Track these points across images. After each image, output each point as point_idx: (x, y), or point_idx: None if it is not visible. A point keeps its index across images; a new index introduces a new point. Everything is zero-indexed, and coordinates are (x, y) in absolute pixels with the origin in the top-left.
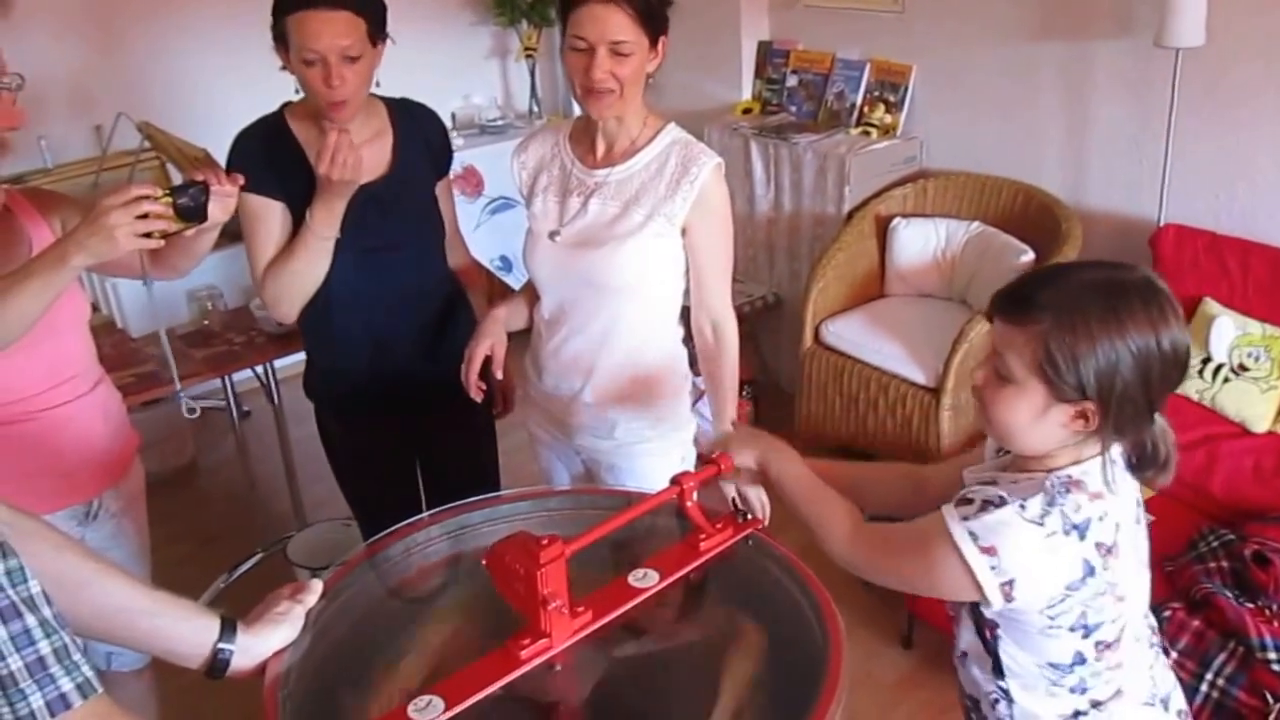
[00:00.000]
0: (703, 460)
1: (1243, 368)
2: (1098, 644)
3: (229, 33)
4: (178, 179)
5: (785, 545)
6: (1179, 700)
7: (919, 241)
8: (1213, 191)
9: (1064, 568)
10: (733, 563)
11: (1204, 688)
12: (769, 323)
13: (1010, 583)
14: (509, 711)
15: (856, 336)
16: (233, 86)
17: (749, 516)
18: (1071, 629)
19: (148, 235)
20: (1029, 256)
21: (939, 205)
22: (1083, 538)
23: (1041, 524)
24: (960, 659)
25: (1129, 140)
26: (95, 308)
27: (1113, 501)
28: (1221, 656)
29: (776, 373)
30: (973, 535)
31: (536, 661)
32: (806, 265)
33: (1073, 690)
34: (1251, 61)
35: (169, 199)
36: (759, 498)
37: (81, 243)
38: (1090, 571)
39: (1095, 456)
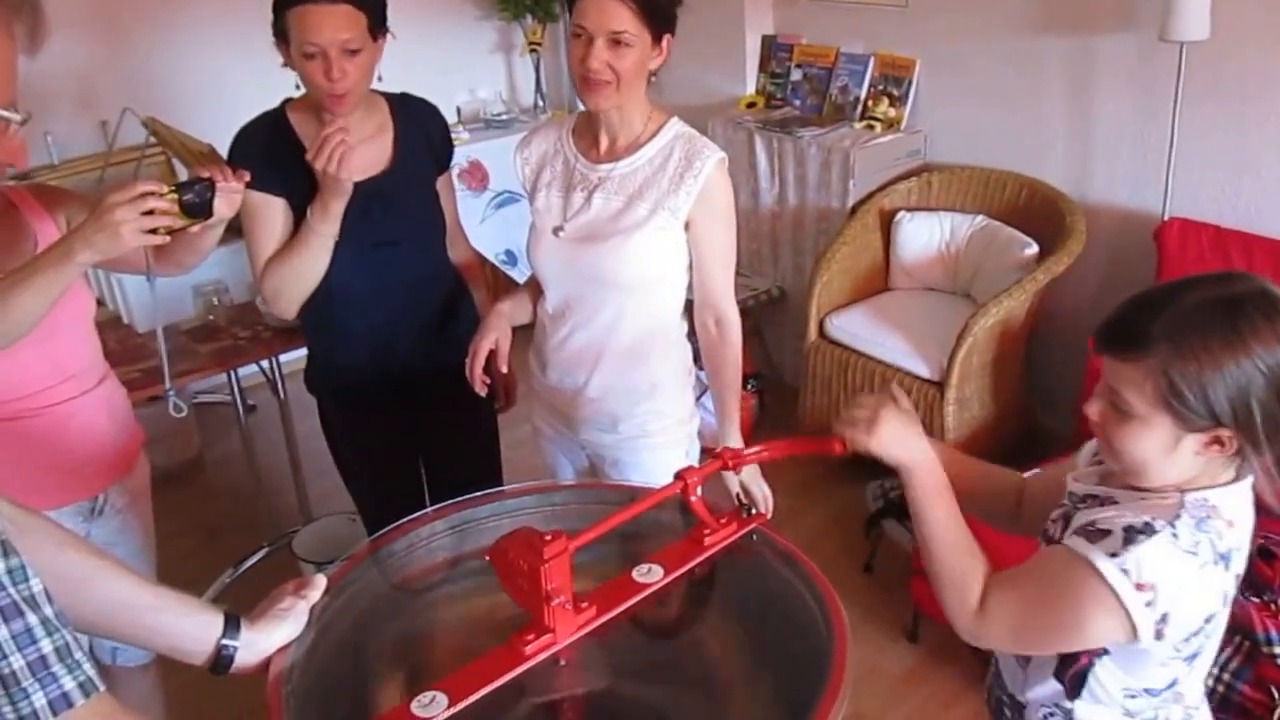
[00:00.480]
0: (707, 454)
1: None
2: (1193, 668)
3: (234, 29)
4: (183, 175)
5: (790, 540)
6: (1206, 715)
7: (923, 235)
8: (1217, 185)
9: (1211, 600)
10: (737, 557)
11: (1209, 682)
12: (773, 316)
13: (1164, 617)
14: (513, 707)
15: (861, 330)
16: (239, 82)
17: (753, 511)
18: (1186, 658)
19: (153, 231)
20: (1033, 250)
21: (943, 199)
22: (1227, 568)
23: (1196, 553)
24: (1020, 662)
25: (1133, 134)
26: (101, 303)
27: (1246, 532)
28: (1227, 651)
29: (781, 366)
30: (1126, 573)
31: (541, 657)
32: (810, 259)
33: (1146, 711)
34: (1256, 55)
35: (175, 195)
36: (762, 492)
37: (87, 239)
38: (1225, 603)
39: (1231, 482)
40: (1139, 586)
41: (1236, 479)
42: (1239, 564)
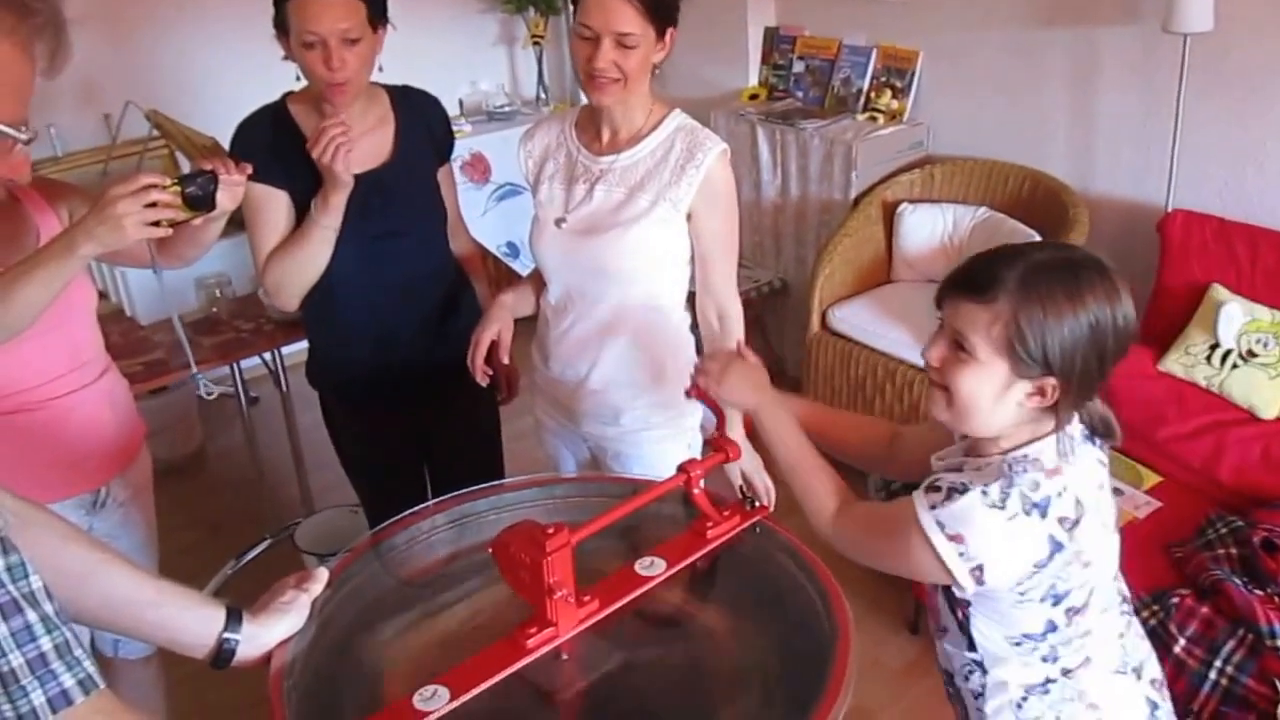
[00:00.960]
0: (709, 447)
1: (1251, 354)
2: (1068, 610)
3: (238, 21)
4: (186, 167)
5: (792, 532)
6: (1153, 669)
7: (926, 227)
8: (1221, 177)
9: (1030, 548)
10: (740, 550)
11: (1213, 675)
12: (776, 308)
13: (979, 567)
14: (515, 701)
15: (863, 322)
16: (242, 75)
17: (756, 504)
18: (1042, 599)
19: (156, 224)
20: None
21: (946, 191)
22: (1044, 515)
23: (1003, 507)
24: (939, 633)
25: (1136, 126)
26: (104, 296)
27: (1071, 474)
28: (1230, 644)
29: (783, 358)
30: (940, 524)
31: (543, 651)
32: (813, 251)
33: (1044, 659)
34: (1260, 46)
35: (177, 188)
36: (765, 484)
37: (90, 231)
38: (1058, 547)
39: (1049, 435)
40: (950, 538)
41: (1053, 431)
42: (1062, 508)
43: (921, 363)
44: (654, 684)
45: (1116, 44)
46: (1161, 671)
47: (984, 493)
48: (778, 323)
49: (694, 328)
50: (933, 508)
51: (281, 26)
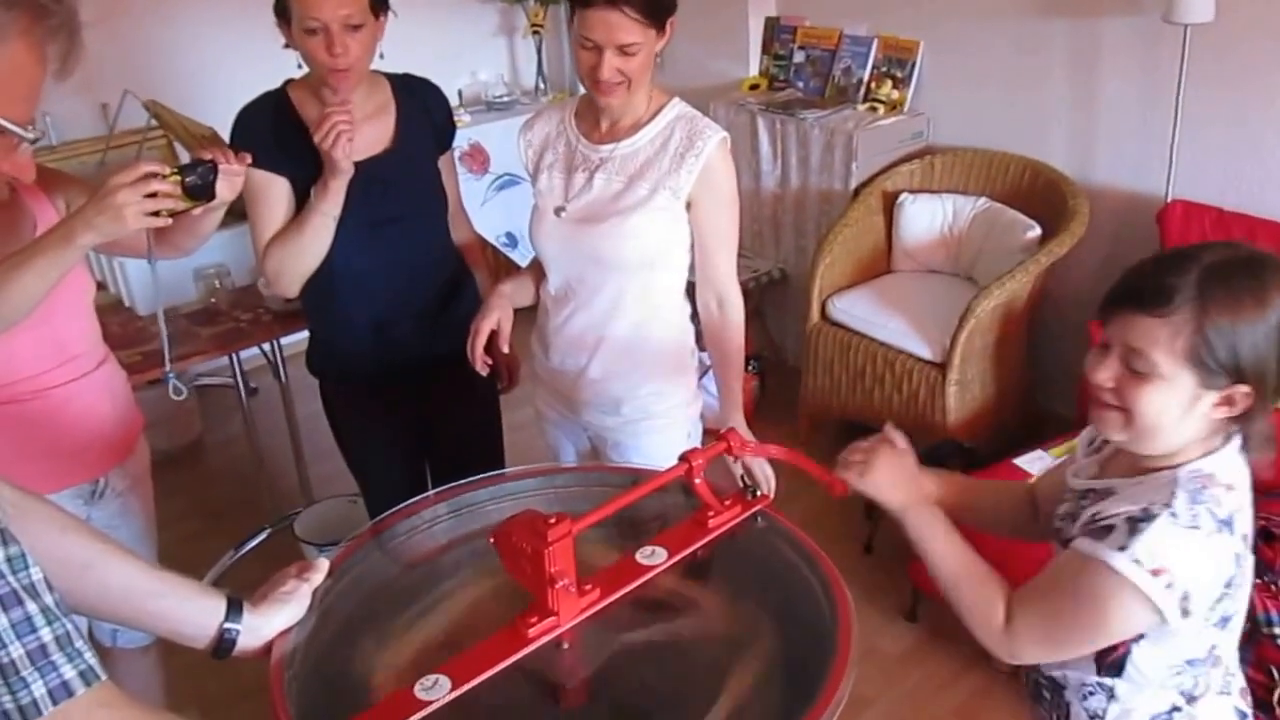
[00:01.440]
0: (710, 436)
1: None
2: (1230, 633)
3: (237, 9)
4: (185, 158)
5: (793, 522)
6: (1240, 680)
7: (926, 217)
8: (1220, 168)
9: (1224, 566)
10: (741, 540)
11: None
12: (775, 298)
13: (1185, 596)
14: (516, 690)
15: (863, 312)
16: (240, 64)
17: (757, 493)
18: (1216, 624)
19: (155, 214)
20: (1035, 232)
21: (946, 181)
22: (1232, 531)
23: (1198, 526)
24: None
25: (1137, 116)
26: (102, 286)
27: (1246, 492)
28: None
29: (783, 348)
30: (1138, 562)
31: (544, 640)
32: (813, 241)
33: (1188, 683)
34: (1261, 37)
35: (177, 177)
36: (765, 473)
37: (89, 221)
38: (1239, 564)
39: (1221, 449)
40: (1154, 573)
41: (1224, 445)
42: (1244, 524)
43: (921, 354)
44: (655, 672)
45: (1117, 35)
46: (1243, 678)
47: (1173, 515)
48: (777, 313)
49: (694, 317)
50: (1122, 549)
51: (283, 13)
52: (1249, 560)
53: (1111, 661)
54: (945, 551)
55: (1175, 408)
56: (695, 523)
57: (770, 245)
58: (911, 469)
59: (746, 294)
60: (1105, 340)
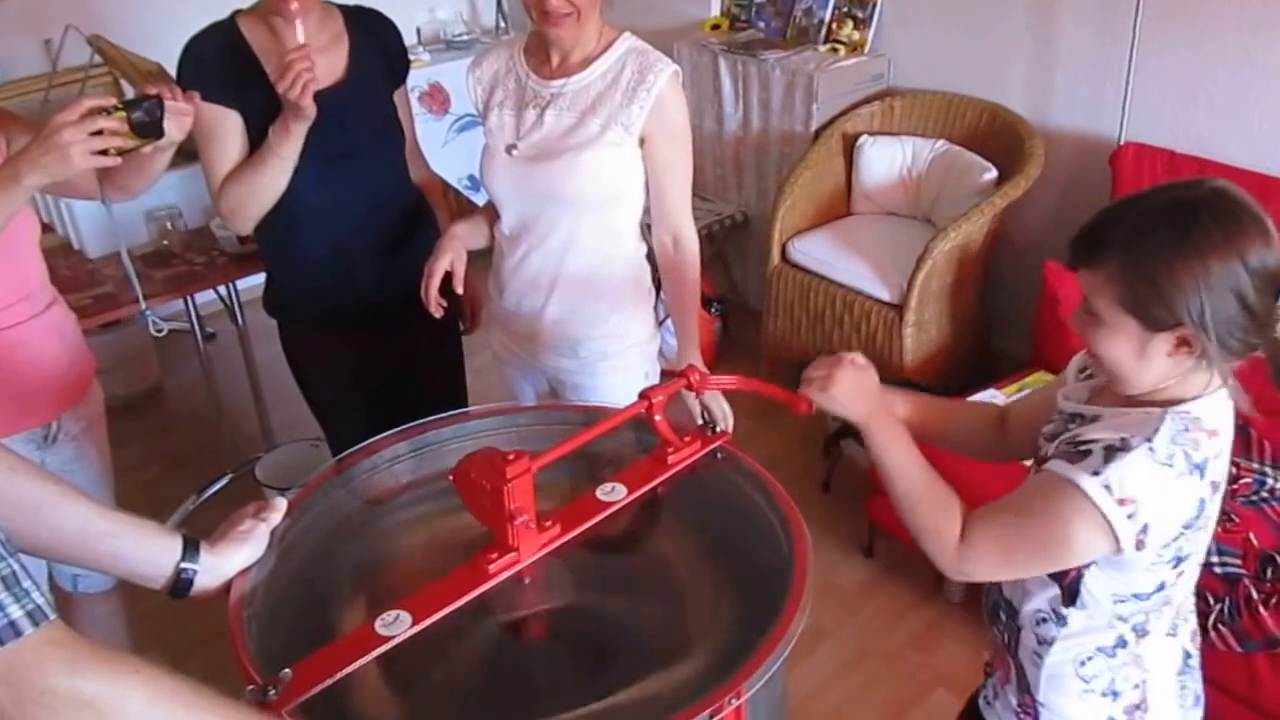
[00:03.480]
0: (668, 377)
1: None
2: (1180, 574)
3: None
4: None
5: (752, 458)
6: (1192, 622)
7: (885, 160)
8: (1173, 110)
9: (1186, 508)
10: (701, 476)
11: None
12: (736, 241)
13: (1144, 529)
14: (477, 625)
15: (823, 255)
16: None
17: (716, 430)
18: (1169, 561)
19: (103, 153)
20: (992, 175)
21: (905, 124)
22: (1202, 476)
23: (1171, 465)
24: None
25: (1093, 59)
26: (49, 228)
27: (1225, 440)
28: None
29: (744, 291)
30: (1108, 489)
31: (504, 576)
32: (774, 184)
33: (1132, 622)
34: None
35: (123, 114)
36: (723, 410)
37: (35, 161)
38: (1202, 509)
39: (1212, 390)
40: (1121, 501)
41: (1215, 389)
42: (1216, 471)
43: (879, 295)
44: (615, 607)
45: None
46: (1195, 621)
47: (1151, 449)
48: (739, 256)
49: (650, 256)
50: (1095, 473)
51: None
52: (1213, 508)
53: (1066, 587)
54: (905, 463)
55: (1128, 351)
56: (655, 459)
57: (732, 188)
58: (873, 384)
59: (708, 237)
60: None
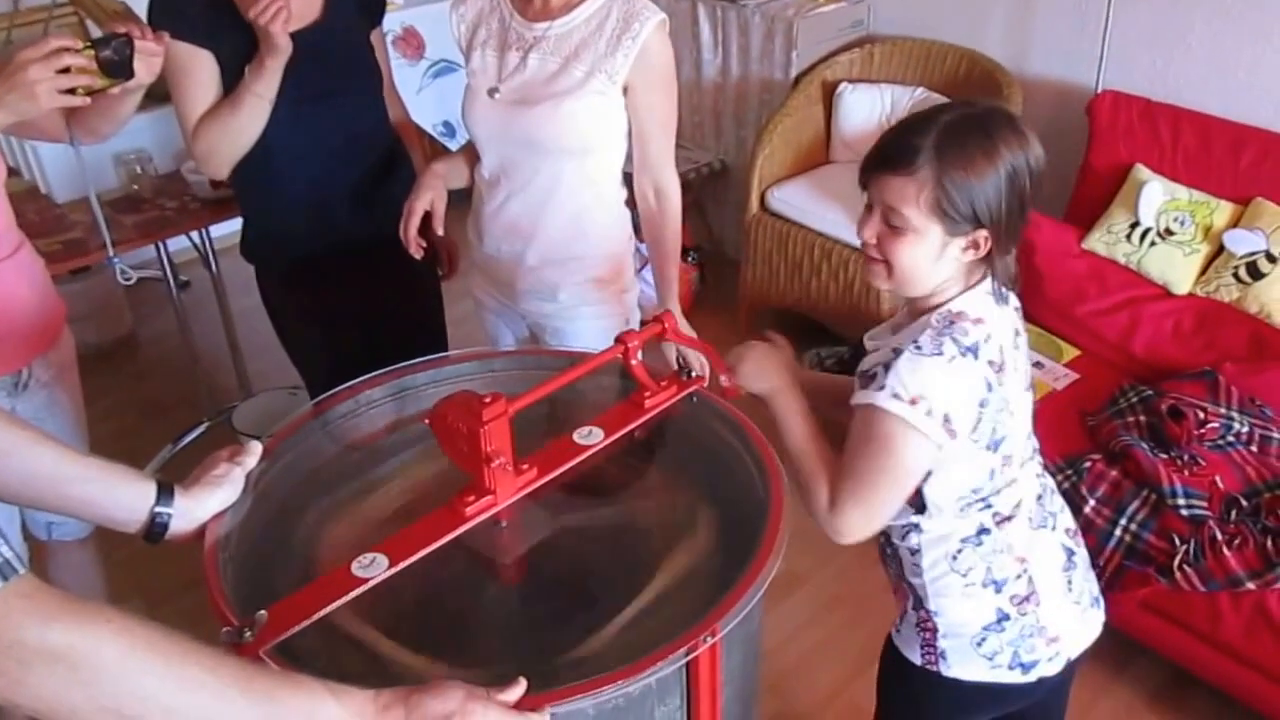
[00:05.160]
0: (646, 325)
1: (1169, 232)
2: (1004, 457)
3: None
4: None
5: (728, 402)
6: (1067, 520)
7: (864, 108)
8: (1149, 59)
9: (974, 386)
10: (677, 420)
11: (1118, 532)
12: (715, 190)
13: (946, 417)
14: (454, 567)
15: (801, 203)
16: None
17: (692, 374)
18: (986, 446)
19: (71, 92)
20: None
21: (885, 71)
22: (976, 357)
23: (941, 353)
24: None
25: (1072, 6)
26: (15, 172)
27: (993, 324)
28: (1135, 504)
29: (722, 240)
30: (896, 396)
31: (481, 518)
32: (753, 132)
33: (980, 508)
34: None
35: (91, 52)
36: (699, 357)
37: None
38: (989, 387)
39: (973, 286)
40: (912, 401)
41: (974, 285)
42: (990, 352)
43: (858, 243)
44: (591, 549)
45: None
46: (1075, 523)
47: (917, 348)
48: (717, 205)
49: (631, 204)
50: (881, 389)
51: None
52: (1009, 391)
53: (913, 501)
54: (797, 433)
55: (926, 256)
56: (632, 404)
57: (710, 136)
58: (782, 360)
59: (687, 185)
60: (869, 201)
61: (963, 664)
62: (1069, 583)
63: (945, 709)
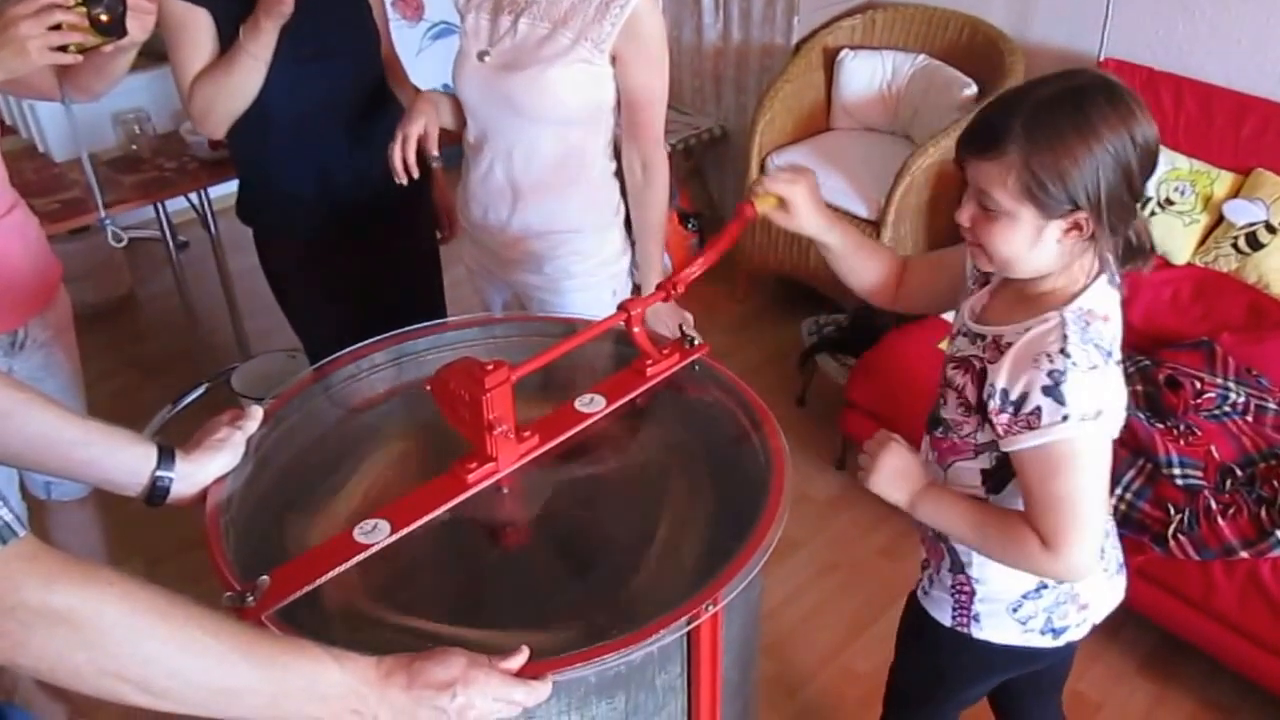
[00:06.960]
0: (637, 293)
1: (1169, 202)
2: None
3: None
4: None
5: (730, 370)
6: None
7: (865, 75)
8: (1153, 27)
9: (1119, 386)
10: (679, 387)
11: (1113, 501)
12: (715, 156)
13: (1100, 415)
14: (456, 534)
15: None
16: None
17: (695, 342)
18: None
19: (63, 49)
20: (972, 90)
21: (886, 38)
22: (1109, 359)
23: (1096, 366)
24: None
25: None
26: (12, 130)
27: (1117, 321)
28: (1131, 473)
29: (721, 206)
30: (1083, 420)
31: (483, 485)
32: (754, 98)
33: None
34: None
35: (83, 9)
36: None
37: None
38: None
39: (1095, 277)
40: (1094, 417)
41: (1096, 278)
42: (1118, 351)
43: (857, 211)
44: (593, 516)
45: None
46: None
47: (1074, 364)
48: (717, 171)
49: (618, 174)
50: (1065, 419)
51: None
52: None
53: (989, 484)
54: (956, 521)
55: (1022, 240)
56: (634, 371)
57: (711, 102)
58: (913, 465)
59: (686, 152)
60: (966, 184)
61: (995, 628)
62: (1102, 551)
63: (971, 669)
